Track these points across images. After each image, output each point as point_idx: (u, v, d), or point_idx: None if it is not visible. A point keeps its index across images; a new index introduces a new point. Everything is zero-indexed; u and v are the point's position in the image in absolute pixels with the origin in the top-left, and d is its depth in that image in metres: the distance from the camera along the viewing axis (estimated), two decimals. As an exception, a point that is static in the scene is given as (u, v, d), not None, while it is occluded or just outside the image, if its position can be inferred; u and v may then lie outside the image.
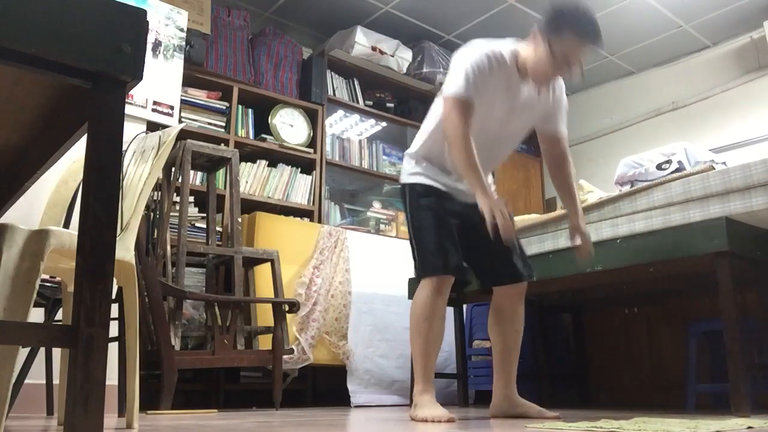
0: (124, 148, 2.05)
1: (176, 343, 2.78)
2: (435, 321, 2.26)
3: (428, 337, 2.26)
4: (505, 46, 2.29)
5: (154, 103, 3.20)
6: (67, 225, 2.33)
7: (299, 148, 4.15)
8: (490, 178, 2.54)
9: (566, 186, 2.51)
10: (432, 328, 2.26)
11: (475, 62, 2.19)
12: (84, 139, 0.83)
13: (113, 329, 2.39)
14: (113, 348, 2.47)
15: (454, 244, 2.30)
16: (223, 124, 3.93)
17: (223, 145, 3.56)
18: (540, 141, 2.53)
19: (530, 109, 2.36)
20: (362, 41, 4.42)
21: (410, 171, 2.45)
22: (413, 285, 3.59)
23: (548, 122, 2.45)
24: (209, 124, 3.87)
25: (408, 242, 2.43)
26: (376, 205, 4.63)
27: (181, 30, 3.40)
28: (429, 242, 2.29)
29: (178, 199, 3.11)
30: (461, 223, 2.35)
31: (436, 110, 2.38)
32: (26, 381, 2.36)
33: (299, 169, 4.17)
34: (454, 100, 2.18)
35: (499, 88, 2.25)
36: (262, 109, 4.12)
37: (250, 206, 3.79)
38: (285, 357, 3.07)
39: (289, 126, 4.18)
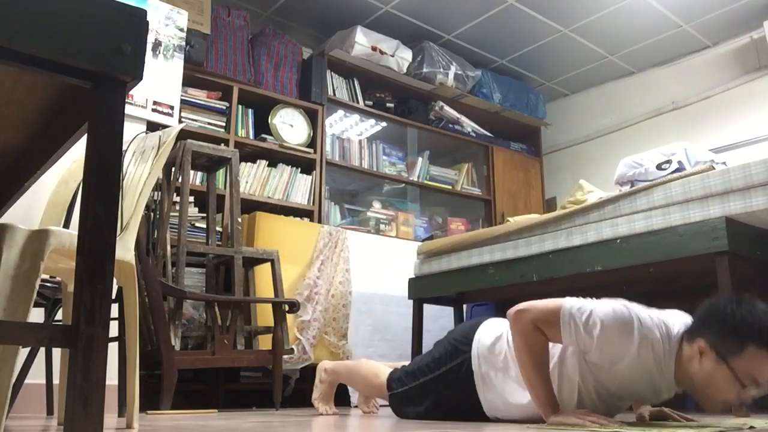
0: (124, 148, 2.05)
1: (176, 343, 2.78)
2: None
3: None
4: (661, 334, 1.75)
5: (154, 103, 3.20)
6: (67, 225, 2.33)
7: (299, 148, 4.15)
8: None
9: None
10: None
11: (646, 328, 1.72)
12: (84, 139, 0.83)
13: (113, 329, 2.39)
14: (113, 348, 2.47)
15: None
16: (223, 124, 3.93)
17: (223, 145, 3.56)
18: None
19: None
20: (362, 41, 4.42)
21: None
22: (413, 285, 3.61)
23: None
24: (209, 124, 3.87)
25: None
26: (376, 205, 4.63)
27: (181, 30, 3.40)
28: (426, 401, 2.19)
29: (178, 199, 3.10)
30: None
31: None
32: (26, 381, 2.36)
33: (299, 169, 4.17)
34: (556, 308, 1.78)
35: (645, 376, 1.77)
36: (262, 109, 4.12)
37: (250, 206, 3.78)
38: (285, 357, 3.07)
39: (289, 126, 4.18)
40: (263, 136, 4.06)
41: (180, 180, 3.08)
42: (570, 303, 1.78)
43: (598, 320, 1.72)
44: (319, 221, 4.08)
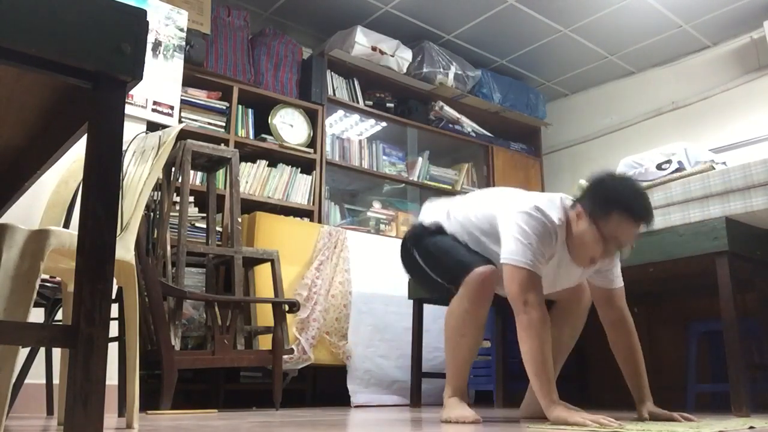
0: (124, 148, 2.05)
1: (176, 343, 2.78)
2: (471, 335, 2.17)
3: (464, 351, 2.19)
4: (556, 214, 2.06)
5: (154, 103, 3.20)
6: (67, 225, 2.33)
7: (299, 148, 4.15)
8: None
9: (630, 362, 2.20)
10: (468, 344, 2.17)
11: (538, 234, 1.99)
12: (84, 139, 0.83)
13: (113, 329, 2.39)
14: (113, 348, 2.47)
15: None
16: (223, 124, 3.93)
17: (223, 145, 3.56)
18: (594, 300, 2.31)
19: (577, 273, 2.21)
20: (362, 41, 4.42)
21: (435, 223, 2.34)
22: (413, 285, 3.60)
23: (599, 276, 2.23)
24: (209, 124, 3.87)
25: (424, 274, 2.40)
26: (376, 205, 4.63)
27: (181, 30, 3.40)
28: (458, 252, 2.23)
29: (178, 199, 3.11)
30: None
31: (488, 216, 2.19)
32: (26, 381, 2.36)
33: (299, 169, 4.17)
34: (528, 273, 1.96)
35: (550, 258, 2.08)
36: (262, 109, 4.12)
37: (250, 206, 3.78)
38: (285, 357, 3.07)
39: (289, 126, 4.18)
40: (263, 136, 4.06)
41: (180, 180, 3.08)
42: (516, 259, 1.98)
43: (533, 239, 1.98)
44: (319, 221, 4.08)
